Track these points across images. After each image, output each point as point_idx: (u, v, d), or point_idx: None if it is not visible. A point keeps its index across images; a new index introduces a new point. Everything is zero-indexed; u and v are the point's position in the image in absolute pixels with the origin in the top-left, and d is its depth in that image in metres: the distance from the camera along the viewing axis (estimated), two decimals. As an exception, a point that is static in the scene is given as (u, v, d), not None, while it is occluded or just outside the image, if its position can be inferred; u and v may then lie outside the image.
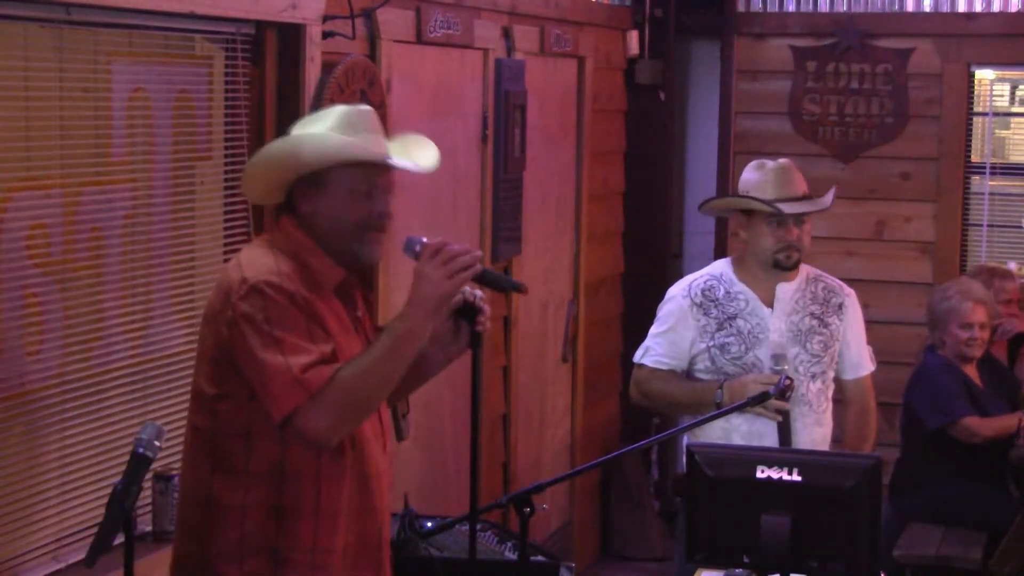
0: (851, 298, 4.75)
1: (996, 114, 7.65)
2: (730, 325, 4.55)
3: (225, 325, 3.12)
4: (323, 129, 3.21)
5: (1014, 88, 7.77)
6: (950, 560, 5.95)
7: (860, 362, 4.78)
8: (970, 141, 7.54)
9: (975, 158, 7.57)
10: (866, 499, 3.59)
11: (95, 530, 2.81)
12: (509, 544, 4.15)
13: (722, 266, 4.69)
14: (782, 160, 4.70)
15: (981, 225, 7.55)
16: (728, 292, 4.60)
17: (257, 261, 3.17)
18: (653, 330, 4.69)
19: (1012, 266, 7.10)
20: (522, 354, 6.37)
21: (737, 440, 4.49)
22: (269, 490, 3.15)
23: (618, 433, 7.67)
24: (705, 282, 4.64)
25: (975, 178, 7.58)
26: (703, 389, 4.53)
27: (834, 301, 4.69)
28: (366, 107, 3.30)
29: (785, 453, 3.81)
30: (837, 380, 4.73)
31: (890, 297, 7.48)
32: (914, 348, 6.70)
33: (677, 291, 4.67)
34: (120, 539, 2.97)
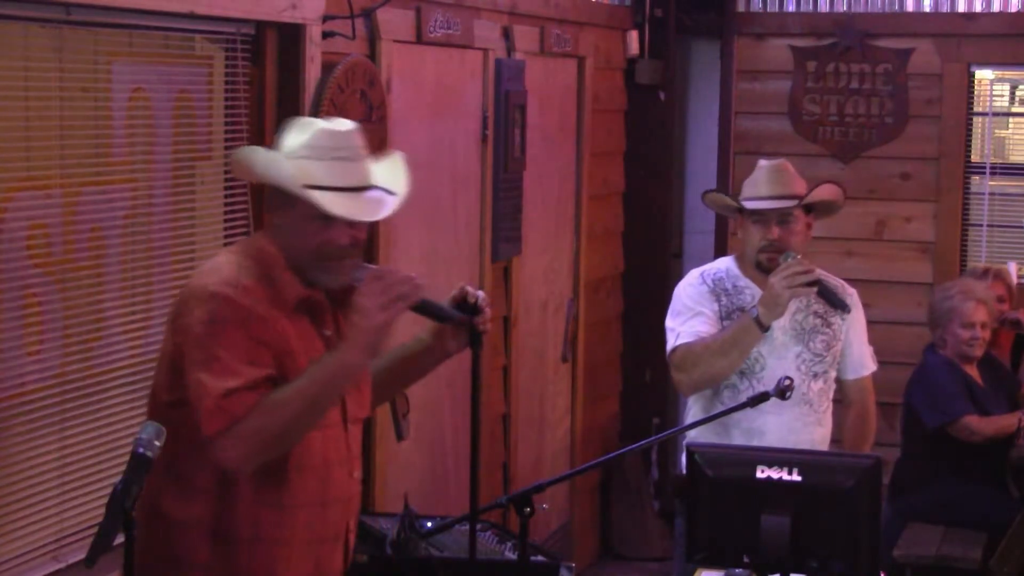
0: (854, 298, 4.75)
1: (996, 114, 7.65)
2: (736, 317, 4.55)
3: (178, 332, 3.09)
4: (297, 146, 3.15)
5: (1014, 88, 7.77)
6: (950, 560, 5.95)
7: (862, 362, 4.78)
8: (970, 141, 7.54)
9: (975, 158, 7.58)
10: (866, 499, 3.59)
11: (95, 530, 2.80)
12: (509, 544, 4.15)
13: (727, 262, 4.72)
14: (779, 160, 4.72)
15: (981, 225, 7.55)
16: (735, 286, 4.62)
17: (220, 270, 3.13)
18: (675, 321, 4.59)
19: (1012, 266, 7.10)
20: (522, 354, 6.37)
21: (737, 436, 4.48)
22: (210, 509, 3.11)
23: (618, 433, 7.67)
24: (715, 273, 4.66)
25: (975, 178, 7.58)
26: (739, 318, 4.48)
27: None
28: (347, 128, 3.20)
29: (785, 453, 3.81)
30: (838, 380, 4.73)
31: (890, 297, 7.48)
32: (914, 348, 6.70)
33: (692, 279, 4.67)
34: (120, 539, 2.97)
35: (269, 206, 3.22)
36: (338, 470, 3.23)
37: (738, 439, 4.47)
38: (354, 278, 3.16)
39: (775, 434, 4.49)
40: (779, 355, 4.54)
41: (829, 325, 4.65)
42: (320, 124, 3.20)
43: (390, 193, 3.23)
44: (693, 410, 4.68)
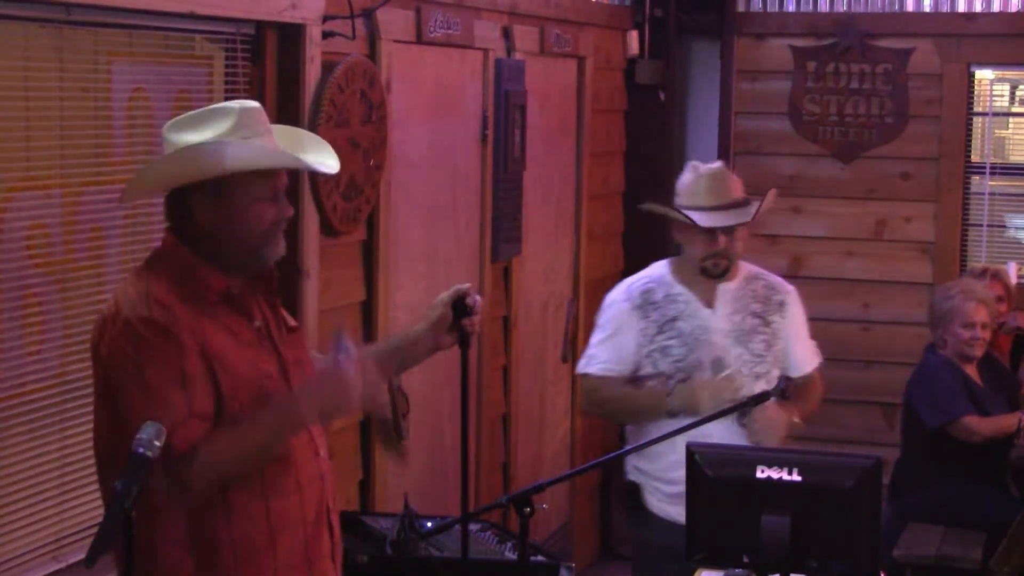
0: (792, 295, 4.72)
1: (996, 114, 7.65)
2: (671, 327, 4.51)
3: (102, 364, 3.02)
4: (219, 134, 3.06)
5: (1014, 88, 7.77)
6: (950, 560, 5.95)
7: (806, 358, 4.76)
8: (970, 141, 7.54)
9: (975, 158, 7.58)
10: (866, 499, 3.59)
11: (95, 530, 2.80)
12: (509, 544, 4.15)
13: (661, 268, 4.66)
14: (716, 164, 4.65)
15: (981, 225, 7.55)
16: (668, 294, 4.56)
17: (129, 291, 3.04)
18: (595, 338, 4.64)
19: (1012, 266, 7.10)
20: (522, 354, 6.37)
21: (681, 441, 4.40)
22: (183, 525, 3.04)
23: (618, 433, 7.66)
24: (644, 285, 4.61)
25: (975, 178, 7.58)
26: (654, 395, 4.48)
27: (775, 299, 4.66)
28: (254, 104, 3.15)
29: (785, 453, 3.80)
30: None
31: (890, 297, 7.48)
32: (914, 348, 6.70)
33: (617, 295, 4.64)
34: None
35: (194, 204, 3.08)
36: (303, 452, 3.18)
37: (682, 444, 4.38)
38: (339, 346, 3.06)
39: (721, 439, 4.43)
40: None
41: (768, 324, 4.60)
42: (232, 106, 3.12)
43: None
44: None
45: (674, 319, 4.52)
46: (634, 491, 4.62)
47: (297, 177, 4.38)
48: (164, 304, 3.00)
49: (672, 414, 4.40)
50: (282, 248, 3.18)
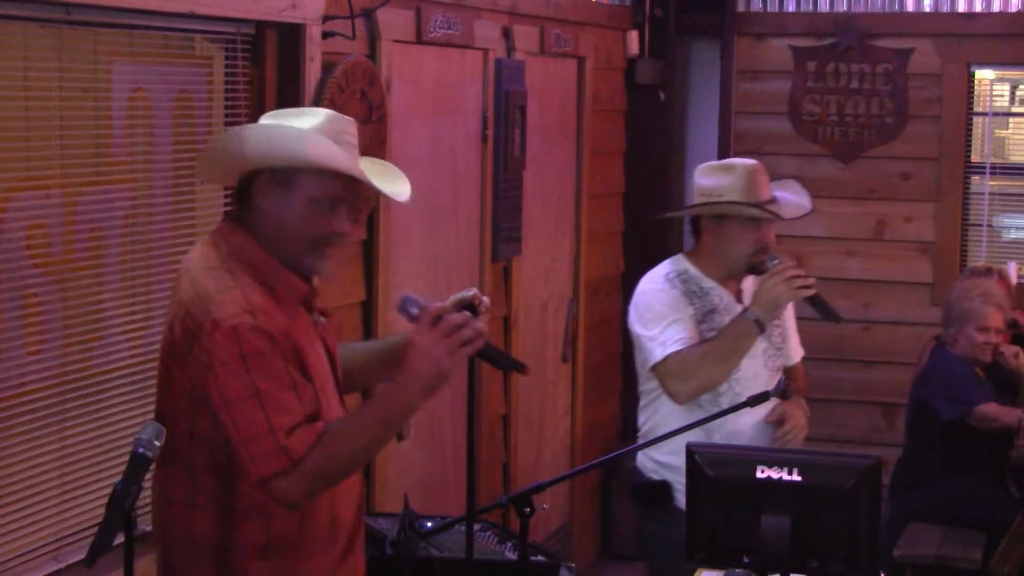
0: None
1: (996, 114, 7.65)
2: (711, 319, 4.46)
3: (197, 368, 2.96)
4: (307, 127, 3.06)
5: (1014, 88, 7.77)
6: (950, 560, 5.95)
7: (797, 348, 4.76)
8: (970, 141, 7.54)
9: (975, 158, 7.58)
10: (866, 499, 3.58)
11: (95, 530, 2.81)
12: (509, 544, 4.15)
13: (682, 263, 4.57)
14: (750, 161, 4.59)
15: (981, 225, 7.55)
16: (701, 287, 4.51)
17: (223, 294, 2.97)
18: (653, 329, 4.43)
19: (1012, 266, 7.10)
20: (522, 354, 6.36)
21: (718, 439, 4.38)
22: (255, 528, 3.04)
23: (618, 433, 7.67)
24: (678, 275, 4.52)
25: (975, 178, 7.58)
26: (734, 323, 4.37)
27: None
28: (350, 118, 3.17)
29: (785, 453, 3.80)
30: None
31: (890, 297, 7.48)
32: (914, 348, 6.70)
33: (658, 284, 4.51)
34: (120, 539, 2.97)
35: (257, 192, 3.06)
36: None
37: (718, 441, 4.34)
38: (406, 312, 3.12)
39: (749, 433, 4.43)
40: (750, 354, 4.44)
41: (780, 316, 4.56)
42: (330, 111, 3.16)
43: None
44: (661, 414, 4.54)
45: (712, 311, 4.47)
46: (663, 489, 4.52)
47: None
48: (267, 312, 2.97)
49: (761, 326, 4.33)
50: (328, 268, 3.12)
